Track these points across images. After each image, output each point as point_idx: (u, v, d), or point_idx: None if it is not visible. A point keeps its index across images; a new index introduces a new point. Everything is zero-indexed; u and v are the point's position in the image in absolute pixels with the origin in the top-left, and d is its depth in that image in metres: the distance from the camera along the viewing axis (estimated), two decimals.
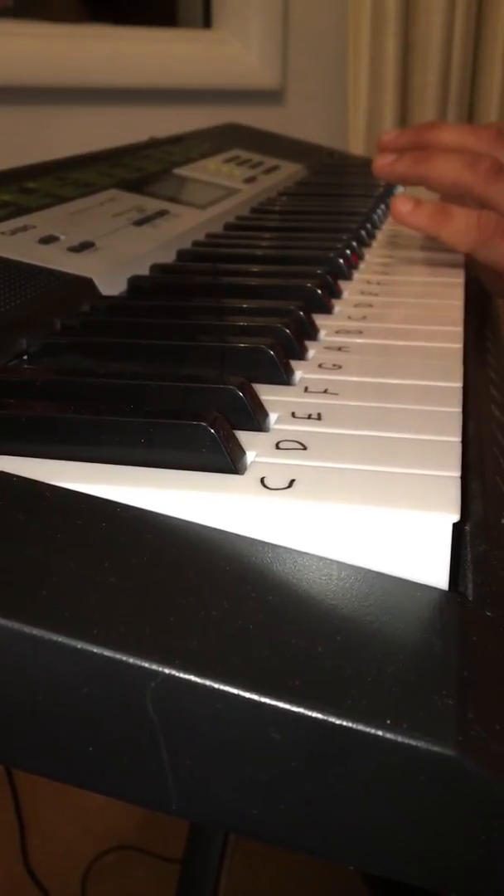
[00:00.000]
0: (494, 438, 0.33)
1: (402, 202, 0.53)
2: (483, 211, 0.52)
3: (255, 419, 0.30)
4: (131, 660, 0.19)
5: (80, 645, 0.20)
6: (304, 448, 0.28)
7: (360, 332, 0.41)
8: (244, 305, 0.43)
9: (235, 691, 0.19)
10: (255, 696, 0.19)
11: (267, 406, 0.31)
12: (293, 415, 0.31)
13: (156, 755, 0.20)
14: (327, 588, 0.23)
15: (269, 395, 0.32)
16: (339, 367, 0.36)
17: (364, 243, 0.60)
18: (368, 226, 0.64)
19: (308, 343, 0.39)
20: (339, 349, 0.39)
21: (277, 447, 0.28)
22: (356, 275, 0.52)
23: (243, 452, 0.27)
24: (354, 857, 0.20)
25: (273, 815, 0.20)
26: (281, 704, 0.19)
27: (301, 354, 0.38)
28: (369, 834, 0.20)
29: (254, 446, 0.28)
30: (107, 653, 0.19)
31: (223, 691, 0.19)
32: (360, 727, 0.19)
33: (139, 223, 0.55)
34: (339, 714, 0.19)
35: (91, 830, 1.14)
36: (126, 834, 1.13)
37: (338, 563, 0.24)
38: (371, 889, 0.94)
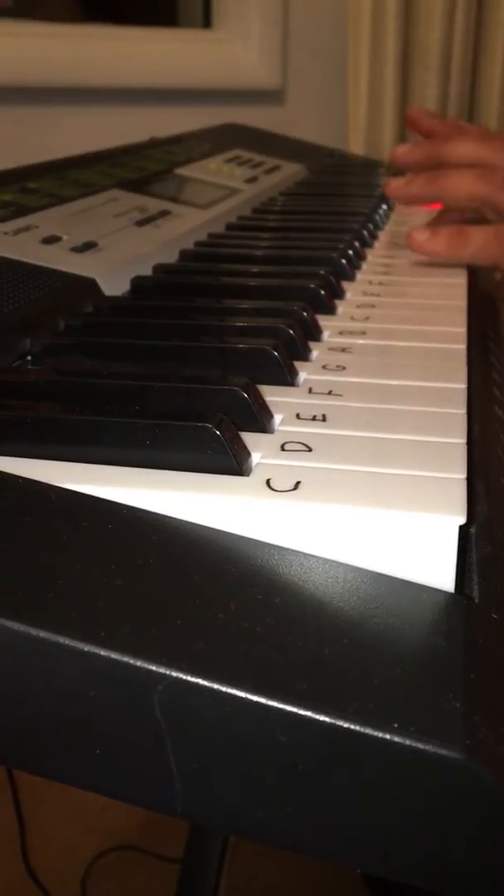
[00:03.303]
0: (498, 440, 0.33)
1: (418, 232, 0.53)
2: (499, 225, 0.53)
3: (260, 420, 0.29)
4: (138, 662, 0.19)
5: (86, 647, 0.20)
6: (310, 450, 0.28)
7: (363, 333, 0.41)
8: (247, 306, 0.43)
9: (242, 694, 0.19)
10: (262, 699, 0.19)
11: (271, 407, 0.31)
12: (298, 416, 0.31)
13: (162, 757, 0.20)
14: (333, 590, 0.23)
15: (273, 396, 0.32)
16: (343, 368, 0.36)
17: (366, 243, 0.60)
18: (370, 226, 0.64)
19: (311, 344, 0.39)
20: (343, 350, 0.38)
21: (283, 449, 0.28)
22: (359, 275, 0.52)
23: (248, 454, 0.27)
24: (360, 860, 0.20)
25: (279, 817, 0.20)
26: (288, 707, 0.19)
27: (305, 355, 0.38)
28: (375, 836, 0.20)
29: (259, 448, 0.28)
30: (113, 655, 0.19)
31: (230, 694, 0.19)
32: (368, 730, 0.19)
33: (141, 223, 0.55)
34: (347, 717, 0.19)
35: (91, 830, 1.14)
36: (126, 834, 1.13)
37: (344, 565, 0.24)
38: (372, 889, 0.94)
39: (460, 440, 0.29)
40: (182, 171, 0.73)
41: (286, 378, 0.34)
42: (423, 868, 0.20)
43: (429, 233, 0.53)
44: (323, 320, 0.42)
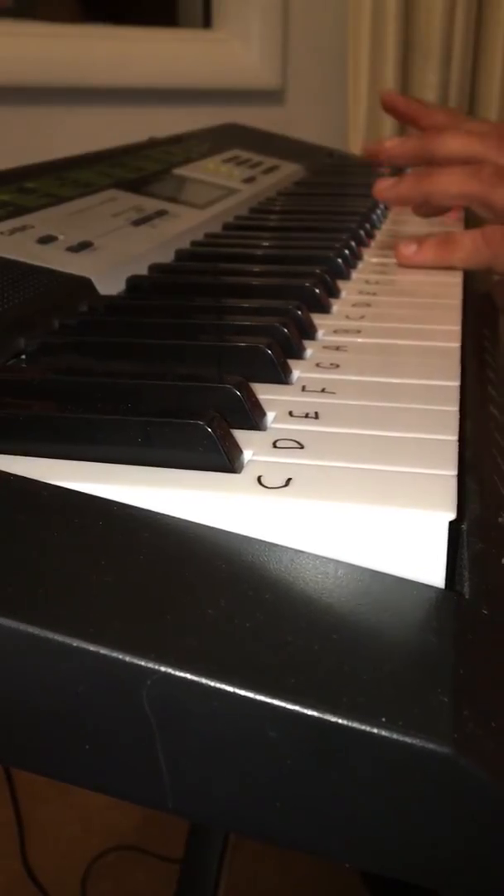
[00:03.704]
0: (492, 437, 0.33)
1: (405, 245, 0.53)
2: (486, 226, 0.53)
3: (253, 418, 0.30)
4: (127, 658, 0.19)
5: (76, 643, 0.20)
6: (302, 447, 0.28)
7: (358, 332, 0.41)
8: (242, 305, 0.43)
9: (232, 689, 0.19)
10: (251, 695, 0.19)
11: (264, 405, 0.31)
12: (290, 414, 0.31)
13: (152, 753, 0.20)
14: (324, 586, 0.23)
15: (266, 394, 0.32)
16: (337, 366, 0.36)
17: (363, 243, 0.60)
18: (367, 226, 0.64)
19: (306, 342, 0.39)
20: (337, 349, 0.39)
21: (275, 446, 0.28)
22: (354, 274, 0.52)
23: (240, 451, 0.27)
24: (351, 855, 0.20)
25: (269, 813, 0.20)
26: (277, 702, 0.19)
27: (299, 354, 0.38)
28: (366, 832, 0.20)
29: (251, 445, 0.28)
30: (103, 651, 0.19)
31: (219, 689, 0.19)
32: (357, 725, 0.19)
33: (138, 223, 0.55)
34: (336, 712, 0.19)
35: (91, 830, 1.14)
36: (126, 834, 1.13)
37: (334, 561, 0.24)
38: (370, 888, 0.94)
39: (452, 437, 0.29)
40: (180, 171, 0.73)
41: (280, 376, 0.34)
42: (416, 864, 0.20)
43: (415, 245, 0.53)
44: (318, 319, 0.42)
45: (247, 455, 0.27)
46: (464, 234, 0.53)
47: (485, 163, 0.54)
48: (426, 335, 0.40)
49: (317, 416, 0.31)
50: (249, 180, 0.76)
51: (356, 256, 0.56)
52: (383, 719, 0.19)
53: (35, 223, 0.49)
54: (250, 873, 1.07)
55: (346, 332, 0.41)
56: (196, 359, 0.36)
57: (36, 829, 1.09)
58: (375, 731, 0.19)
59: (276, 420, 0.31)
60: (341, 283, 0.49)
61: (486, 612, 0.23)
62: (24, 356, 0.36)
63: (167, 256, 0.52)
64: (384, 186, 0.57)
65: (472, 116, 1.68)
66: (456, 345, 0.39)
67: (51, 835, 1.12)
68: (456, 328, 0.41)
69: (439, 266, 0.53)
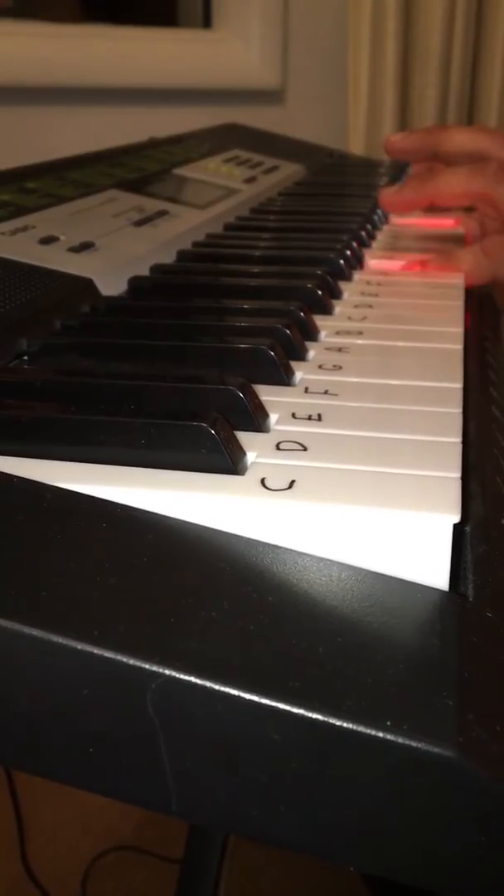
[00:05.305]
0: (494, 439, 0.33)
1: (409, 264, 0.54)
2: (484, 240, 0.53)
3: (256, 420, 0.30)
4: (132, 661, 0.19)
5: (80, 646, 0.20)
6: (305, 449, 0.28)
7: (360, 333, 0.41)
8: (244, 306, 0.43)
9: (236, 692, 0.19)
10: (255, 698, 0.19)
11: (267, 407, 0.31)
12: (293, 415, 0.31)
13: (156, 756, 0.20)
14: (327, 589, 0.23)
15: (269, 395, 0.32)
16: (340, 367, 0.36)
17: (364, 244, 0.60)
18: (368, 226, 0.64)
19: (308, 344, 0.39)
20: (340, 350, 0.39)
21: (278, 448, 0.28)
22: (356, 275, 0.52)
23: (243, 453, 0.27)
24: (354, 858, 0.20)
25: (273, 816, 0.20)
26: (281, 706, 0.19)
27: (301, 355, 0.38)
28: (369, 835, 0.20)
29: (254, 447, 0.28)
30: (107, 654, 0.19)
31: (223, 692, 0.19)
32: (361, 728, 0.19)
33: (139, 223, 0.55)
34: (340, 715, 0.19)
35: (91, 830, 1.14)
36: (126, 834, 1.13)
37: (338, 563, 0.24)
38: (371, 889, 0.94)
39: (455, 439, 0.29)
40: (181, 171, 0.73)
41: (282, 378, 0.34)
42: (418, 867, 0.20)
43: (419, 267, 0.54)
44: (320, 320, 0.42)
45: (250, 457, 0.27)
46: (464, 252, 0.53)
47: (489, 159, 0.54)
48: (428, 337, 0.40)
49: (320, 417, 0.31)
50: (250, 180, 0.76)
51: (357, 257, 0.56)
52: (388, 723, 0.19)
53: (36, 223, 0.49)
54: (250, 873, 1.07)
55: (349, 333, 0.41)
56: (198, 360, 0.36)
57: (36, 829, 1.09)
58: (380, 734, 0.19)
59: (279, 422, 0.30)
60: (343, 284, 0.49)
61: (489, 614, 0.23)
62: (25, 357, 0.36)
63: (169, 257, 0.52)
64: (388, 193, 0.57)
65: (472, 117, 1.68)
66: (458, 346, 0.39)
67: (51, 835, 1.12)
68: (458, 330, 0.41)
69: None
